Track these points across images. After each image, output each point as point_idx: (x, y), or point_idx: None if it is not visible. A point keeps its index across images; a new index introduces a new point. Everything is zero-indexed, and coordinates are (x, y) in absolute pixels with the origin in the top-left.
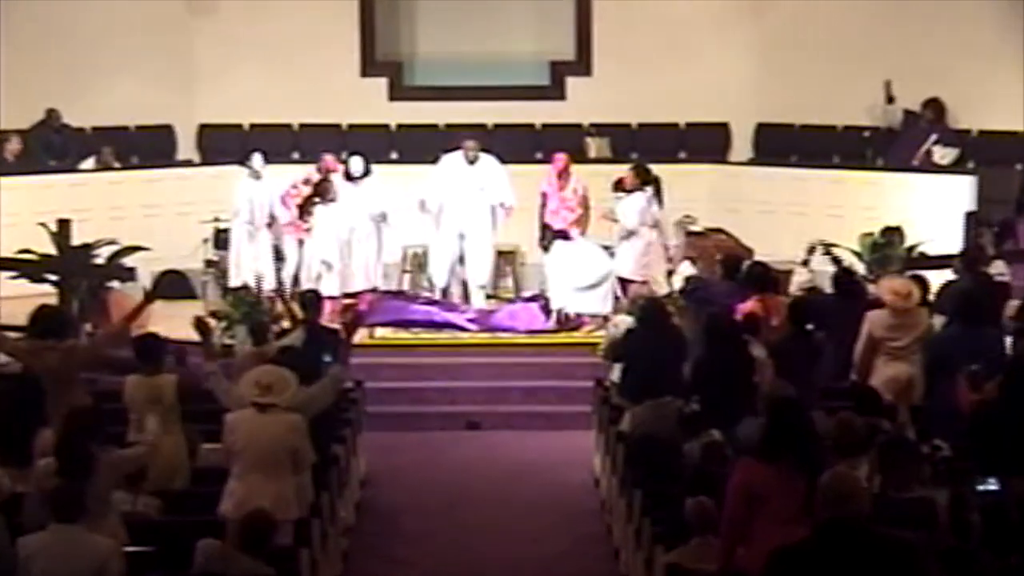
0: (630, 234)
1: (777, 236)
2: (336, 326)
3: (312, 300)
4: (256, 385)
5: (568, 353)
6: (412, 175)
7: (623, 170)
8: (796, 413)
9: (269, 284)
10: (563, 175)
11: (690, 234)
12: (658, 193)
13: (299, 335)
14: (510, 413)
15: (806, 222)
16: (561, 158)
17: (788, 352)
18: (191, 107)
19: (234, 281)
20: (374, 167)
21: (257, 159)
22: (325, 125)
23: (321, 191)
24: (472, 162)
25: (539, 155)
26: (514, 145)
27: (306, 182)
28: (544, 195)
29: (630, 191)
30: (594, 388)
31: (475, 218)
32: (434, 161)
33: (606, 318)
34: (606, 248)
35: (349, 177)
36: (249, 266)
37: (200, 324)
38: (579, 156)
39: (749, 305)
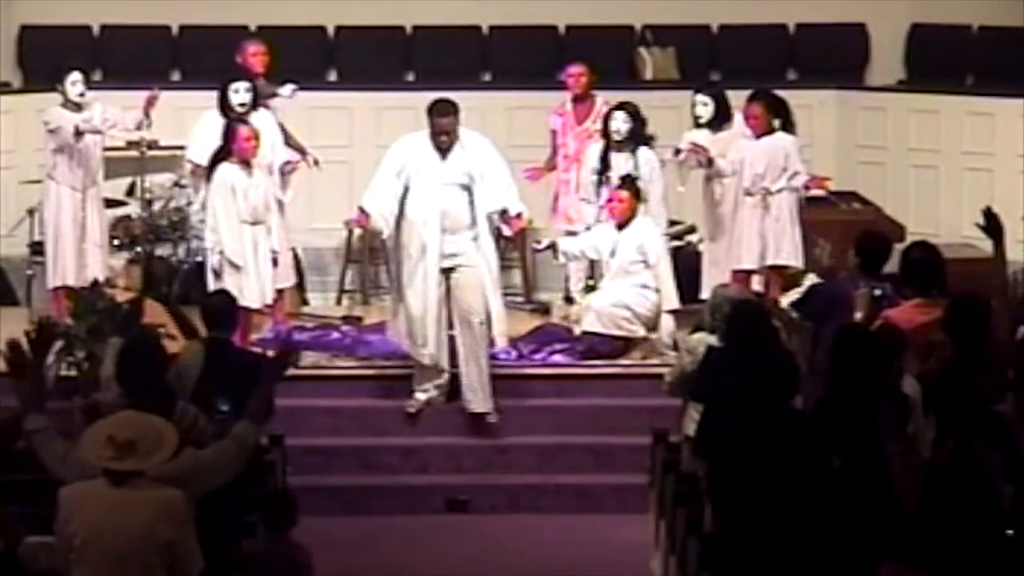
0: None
1: (943, 203)
2: (257, 351)
3: (222, 308)
4: (109, 443)
5: (608, 391)
6: (358, 107)
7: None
8: (976, 491)
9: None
10: (582, 99)
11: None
12: (787, 129)
13: (196, 357)
14: (516, 487)
15: (991, 181)
16: (578, 71)
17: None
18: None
19: (52, 278)
20: (299, 95)
21: (74, 81)
22: (221, 28)
23: (231, 137)
24: (445, 151)
25: (564, 76)
26: (525, 58)
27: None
28: (553, 133)
29: (761, 133)
30: (652, 447)
31: (461, 240)
32: (395, 86)
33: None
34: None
35: (227, 114)
36: (70, 251)
37: (12, 350)
38: (627, 77)
39: (908, 313)
